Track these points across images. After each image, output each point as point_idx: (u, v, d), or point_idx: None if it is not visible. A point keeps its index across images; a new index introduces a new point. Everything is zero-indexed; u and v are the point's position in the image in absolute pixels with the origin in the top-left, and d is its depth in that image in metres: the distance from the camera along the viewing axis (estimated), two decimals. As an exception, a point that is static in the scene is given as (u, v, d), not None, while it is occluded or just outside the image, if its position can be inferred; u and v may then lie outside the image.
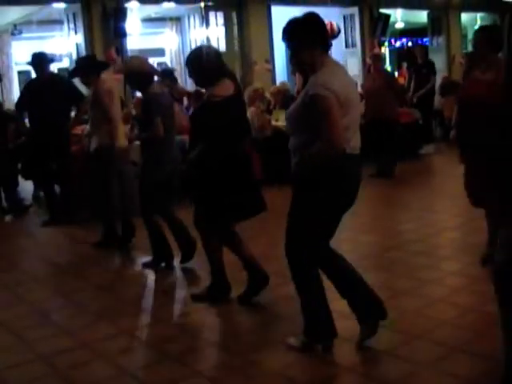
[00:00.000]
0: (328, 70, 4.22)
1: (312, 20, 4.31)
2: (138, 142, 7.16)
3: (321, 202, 4.28)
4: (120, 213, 7.79)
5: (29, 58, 9.11)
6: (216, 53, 5.65)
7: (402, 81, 16.60)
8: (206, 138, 5.35)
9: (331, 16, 18.02)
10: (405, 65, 19.68)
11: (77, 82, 8.68)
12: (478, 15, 23.94)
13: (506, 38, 3.95)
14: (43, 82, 8.95)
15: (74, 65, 14.46)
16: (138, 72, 6.52)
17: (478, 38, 6.00)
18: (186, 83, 16.19)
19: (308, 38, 4.23)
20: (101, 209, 7.96)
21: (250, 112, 10.94)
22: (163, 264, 6.77)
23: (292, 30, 4.30)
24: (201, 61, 5.43)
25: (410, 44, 24.34)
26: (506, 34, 3.97)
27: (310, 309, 4.51)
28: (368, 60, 15.80)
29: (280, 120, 11.35)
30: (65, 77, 10.12)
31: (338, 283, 4.57)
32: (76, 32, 14.93)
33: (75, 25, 14.91)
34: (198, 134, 5.45)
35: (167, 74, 11.63)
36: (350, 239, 6.89)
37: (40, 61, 8.96)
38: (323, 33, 4.34)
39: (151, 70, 6.73)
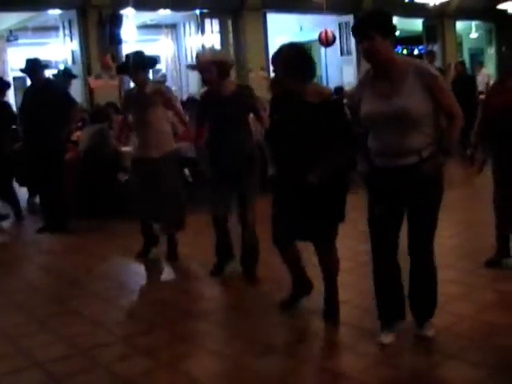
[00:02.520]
0: (415, 60, 4.52)
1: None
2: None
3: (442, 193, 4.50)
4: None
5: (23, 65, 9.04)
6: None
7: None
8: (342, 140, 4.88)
9: (327, 24, 18.11)
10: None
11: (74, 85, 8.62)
12: (473, 23, 24.04)
13: None
14: (37, 88, 8.90)
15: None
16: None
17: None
18: (182, 90, 16.25)
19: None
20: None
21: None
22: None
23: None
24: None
25: (404, 52, 24.41)
26: None
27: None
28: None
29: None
30: (59, 83, 10.10)
31: None
32: (72, 39, 14.97)
33: (71, 31, 14.96)
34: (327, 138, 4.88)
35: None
36: (349, 247, 6.87)
37: (33, 67, 8.89)
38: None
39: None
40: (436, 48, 21.01)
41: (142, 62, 7.10)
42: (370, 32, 4.24)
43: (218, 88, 6.12)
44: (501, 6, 21.02)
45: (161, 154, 6.94)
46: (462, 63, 14.49)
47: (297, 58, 4.93)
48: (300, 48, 5.09)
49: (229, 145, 6.11)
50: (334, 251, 5.12)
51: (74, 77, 12.37)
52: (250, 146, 6.23)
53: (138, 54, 7.18)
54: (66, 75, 11.70)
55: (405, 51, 24.43)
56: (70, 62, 15.24)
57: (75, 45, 14.93)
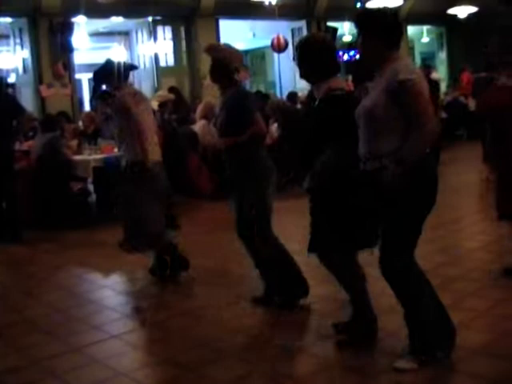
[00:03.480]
0: (402, 61, 4.19)
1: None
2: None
3: (417, 208, 4.10)
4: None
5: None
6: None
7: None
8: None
9: (279, 29, 18.19)
10: (350, 78, 19.83)
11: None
12: (425, 28, 24.31)
13: None
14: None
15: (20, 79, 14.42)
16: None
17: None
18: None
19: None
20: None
21: (202, 125, 10.96)
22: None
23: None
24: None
25: (357, 57, 24.55)
26: None
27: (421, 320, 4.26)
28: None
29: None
30: (8, 91, 10.00)
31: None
32: (22, 47, 14.83)
33: (21, 40, 14.82)
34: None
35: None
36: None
37: None
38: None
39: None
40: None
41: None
42: (359, 31, 4.27)
43: None
44: (451, 11, 21.33)
45: None
46: (426, 66, 14.51)
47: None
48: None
49: None
50: None
51: (11, 86, 12.26)
52: None
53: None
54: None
55: (357, 56, 24.57)
56: (20, 71, 15.10)
57: (26, 53, 14.79)
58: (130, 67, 6.92)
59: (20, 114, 9.01)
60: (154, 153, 6.49)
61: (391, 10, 4.45)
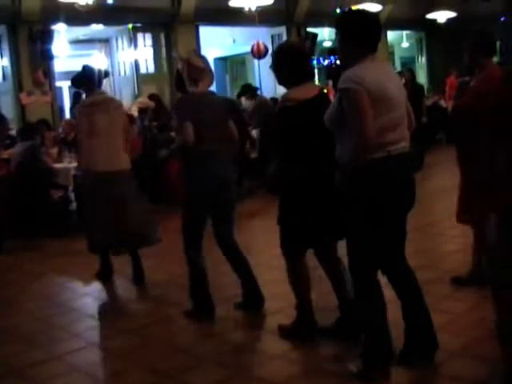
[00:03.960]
0: (361, 66, 4.07)
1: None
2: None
3: (368, 215, 4.07)
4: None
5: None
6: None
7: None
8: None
9: (259, 36, 18.22)
10: (330, 83, 19.91)
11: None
12: (404, 33, 24.44)
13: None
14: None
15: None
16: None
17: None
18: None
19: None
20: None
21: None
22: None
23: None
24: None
25: (338, 62, 24.61)
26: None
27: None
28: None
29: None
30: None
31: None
32: (2, 55, 14.78)
33: (1, 47, 14.77)
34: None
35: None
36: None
37: None
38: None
39: None
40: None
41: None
42: (336, 32, 4.27)
43: None
44: (430, 16, 21.45)
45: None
46: (410, 70, 14.54)
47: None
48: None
49: None
50: None
51: None
52: None
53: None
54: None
55: (338, 62, 24.65)
56: (0, 78, 15.05)
57: (6, 61, 14.75)
58: (104, 74, 7.03)
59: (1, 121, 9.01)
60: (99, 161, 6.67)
61: (371, 13, 4.43)
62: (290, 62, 4.83)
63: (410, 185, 4.21)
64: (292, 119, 4.69)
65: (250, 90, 13.32)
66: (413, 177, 4.26)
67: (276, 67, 4.95)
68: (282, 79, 4.94)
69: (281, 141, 4.81)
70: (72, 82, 7.09)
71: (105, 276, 7.08)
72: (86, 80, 6.83)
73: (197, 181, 5.52)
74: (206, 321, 5.59)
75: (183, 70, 5.60)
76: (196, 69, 5.56)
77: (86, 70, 6.85)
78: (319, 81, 23.84)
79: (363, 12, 4.40)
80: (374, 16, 4.38)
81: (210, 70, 5.72)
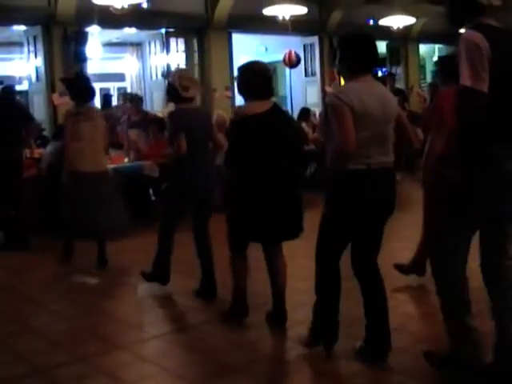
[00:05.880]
0: (350, 85, 4.57)
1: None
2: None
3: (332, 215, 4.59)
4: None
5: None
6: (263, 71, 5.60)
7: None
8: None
9: (292, 45, 18.19)
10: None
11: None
12: (436, 46, 24.33)
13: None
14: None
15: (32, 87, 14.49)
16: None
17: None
18: (146, 108, 16.18)
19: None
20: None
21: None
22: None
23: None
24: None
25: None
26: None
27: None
28: (327, 88, 15.95)
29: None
30: (16, 100, 10.04)
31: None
32: (36, 55, 14.85)
33: (35, 48, 14.83)
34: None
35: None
36: (308, 267, 6.89)
37: None
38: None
39: None
40: (399, 70, 21.22)
41: None
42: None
43: None
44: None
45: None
46: (433, 86, 14.46)
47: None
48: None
49: None
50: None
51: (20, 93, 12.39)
52: None
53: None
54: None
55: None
56: (33, 79, 15.13)
57: (39, 61, 14.80)
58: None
59: (28, 122, 9.06)
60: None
61: (368, 38, 4.72)
62: (254, 78, 5.42)
63: (385, 199, 4.58)
64: (241, 130, 5.31)
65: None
66: (391, 191, 4.62)
67: (240, 81, 5.53)
68: (242, 92, 5.53)
69: (231, 148, 5.45)
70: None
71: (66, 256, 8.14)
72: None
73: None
74: (236, 327, 5.57)
75: (175, 81, 6.47)
76: (186, 78, 6.58)
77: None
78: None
79: (360, 36, 4.73)
80: (369, 40, 4.70)
81: (196, 81, 7.39)
